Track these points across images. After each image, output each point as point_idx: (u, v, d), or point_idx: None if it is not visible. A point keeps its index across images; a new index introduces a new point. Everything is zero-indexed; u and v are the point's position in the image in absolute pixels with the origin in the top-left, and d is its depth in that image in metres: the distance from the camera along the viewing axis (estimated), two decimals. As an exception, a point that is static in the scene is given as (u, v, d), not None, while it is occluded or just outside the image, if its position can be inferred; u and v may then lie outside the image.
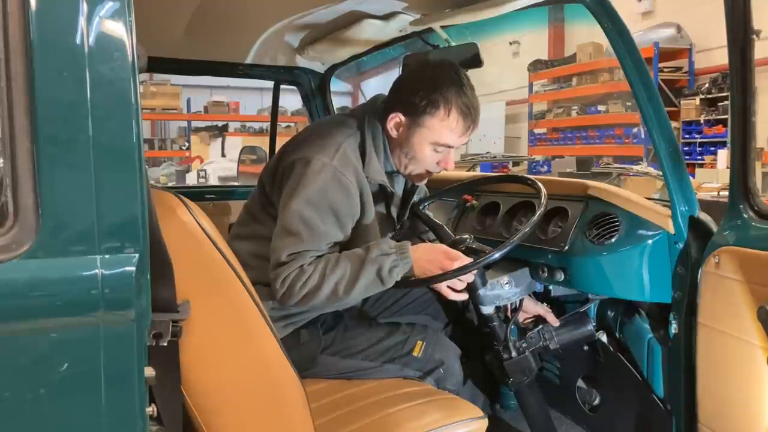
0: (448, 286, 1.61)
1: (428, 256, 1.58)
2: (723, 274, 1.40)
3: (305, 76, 2.88)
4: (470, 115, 1.66)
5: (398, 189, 1.87)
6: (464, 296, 1.65)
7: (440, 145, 1.67)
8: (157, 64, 2.65)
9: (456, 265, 1.56)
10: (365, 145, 1.69)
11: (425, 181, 1.86)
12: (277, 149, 2.94)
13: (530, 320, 1.87)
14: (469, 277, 1.62)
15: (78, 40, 0.80)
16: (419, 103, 1.63)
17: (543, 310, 1.85)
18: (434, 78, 1.65)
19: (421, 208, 1.96)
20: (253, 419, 1.22)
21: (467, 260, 1.58)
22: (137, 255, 0.84)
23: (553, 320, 1.82)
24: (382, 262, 1.55)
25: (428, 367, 1.72)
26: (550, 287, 1.88)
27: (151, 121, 14.02)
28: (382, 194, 1.78)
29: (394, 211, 1.85)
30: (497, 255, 1.57)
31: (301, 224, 1.55)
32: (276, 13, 2.13)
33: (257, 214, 1.76)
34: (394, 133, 1.69)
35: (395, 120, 1.68)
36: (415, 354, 1.71)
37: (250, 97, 13.80)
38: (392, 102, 1.71)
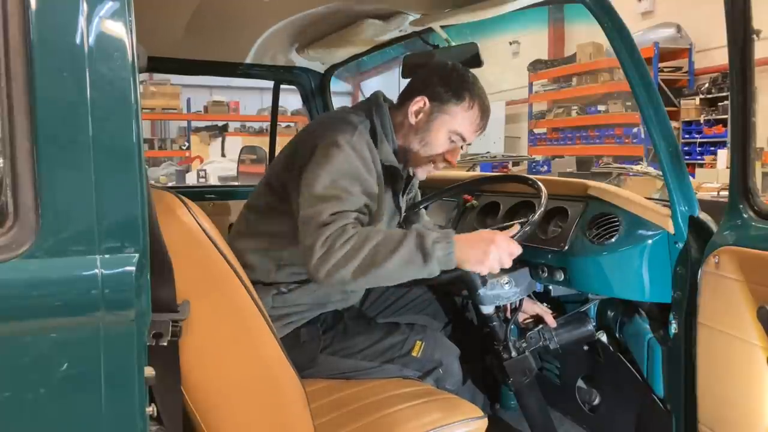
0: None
1: (474, 242, 1.50)
2: (723, 274, 1.40)
3: (305, 76, 2.88)
4: (487, 115, 1.76)
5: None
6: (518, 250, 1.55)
7: (457, 134, 1.73)
8: (157, 64, 2.65)
9: (500, 237, 1.50)
10: (375, 131, 1.72)
11: (423, 178, 1.86)
12: (277, 149, 2.96)
13: (530, 320, 1.87)
14: (518, 249, 1.53)
15: (78, 40, 0.80)
16: (446, 92, 1.71)
17: (542, 310, 1.85)
18: (462, 75, 1.75)
19: (422, 208, 1.96)
20: (253, 419, 1.22)
21: (517, 248, 1.52)
22: (137, 255, 0.84)
23: (551, 321, 1.82)
24: (424, 235, 1.46)
25: (427, 367, 1.72)
26: (550, 287, 1.88)
27: (151, 121, 14.01)
28: (390, 180, 1.79)
29: (401, 200, 1.86)
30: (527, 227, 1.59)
31: (336, 189, 1.53)
32: (276, 13, 2.13)
33: (263, 210, 1.76)
34: (413, 119, 1.73)
35: (419, 104, 1.72)
36: (414, 354, 1.71)
37: (250, 97, 13.79)
38: (415, 88, 1.76)
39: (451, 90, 1.71)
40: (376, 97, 1.81)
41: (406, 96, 1.77)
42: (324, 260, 1.43)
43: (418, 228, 1.50)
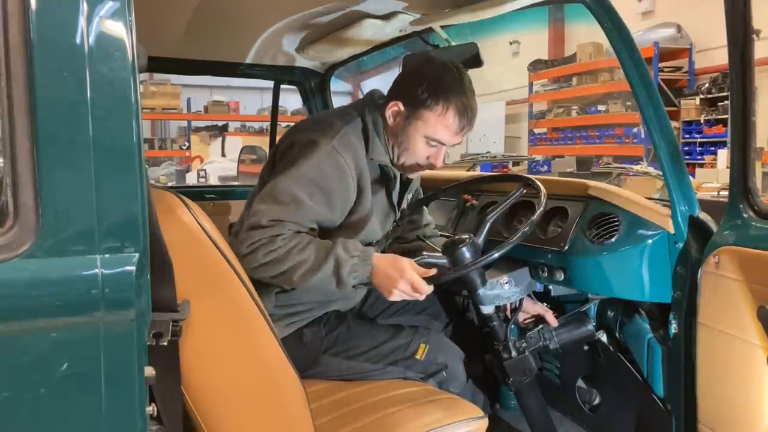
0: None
1: (388, 272, 1.55)
2: (723, 274, 1.40)
3: (305, 76, 2.88)
4: (466, 115, 1.68)
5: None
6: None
7: (433, 140, 1.69)
8: (157, 64, 2.65)
9: (408, 273, 1.54)
10: (368, 131, 1.71)
11: (417, 176, 1.87)
12: (277, 149, 2.96)
13: (530, 320, 1.87)
14: (424, 288, 1.56)
15: (78, 40, 0.80)
16: (420, 95, 1.66)
17: (542, 309, 1.85)
18: (438, 75, 1.68)
19: (423, 207, 1.96)
20: (253, 419, 1.22)
21: (424, 290, 1.55)
22: (137, 255, 0.84)
23: (552, 320, 1.82)
24: (343, 263, 1.53)
25: (431, 370, 1.72)
26: (550, 287, 1.88)
27: (151, 121, 14.00)
28: (383, 179, 1.78)
29: (395, 197, 1.85)
30: (497, 255, 1.57)
31: (289, 196, 1.55)
32: (276, 13, 2.13)
33: None
34: (390, 121, 1.72)
35: (394, 108, 1.70)
36: (418, 357, 1.71)
37: (250, 97, 13.79)
38: (394, 91, 1.75)
39: (425, 93, 1.65)
40: (371, 96, 1.81)
41: (387, 97, 1.76)
42: (245, 260, 1.50)
43: (339, 254, 1.53)
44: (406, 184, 1.90)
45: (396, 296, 1.55)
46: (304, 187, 1.56)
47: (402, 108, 1.69)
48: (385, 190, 1.81)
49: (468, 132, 1.73)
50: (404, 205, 1.91)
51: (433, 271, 1.57)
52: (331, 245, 1.56)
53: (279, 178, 1.58)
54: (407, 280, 1.53)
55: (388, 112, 1.71)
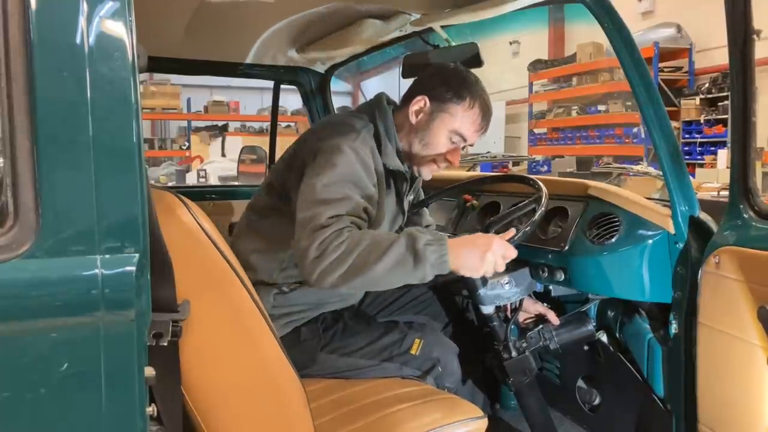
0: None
1: (475, 243, 1.49)
2: (723, 274, 1.40)
3: (305, 76, 2.88)
4: (488, 115, 1.76)
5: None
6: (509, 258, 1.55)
7: (458, 134, 1.72)
8: (157, 64, 2.65)
9: (497, 242, 1.50)
10: (379, 135, 1.72)
11: (428, 178, 1.86)
12: (277, 149, 2.96)
13: (531, 320, 1.87)
14: (513, 253, 1.53)
15: (78, 40, 0.80)
16: (447, 91, 1.72)
17: (544, 309, 1.86)
18: (462, 75, 1.76)
19: (424, 208, 1.96)
20: (253, 419, 1.22)
21: (512, 252, 1.53)
22: (137, 255, 0.84)
23: (554, 319, 1.83)
24: (416, 237, 1.46)
25: (426, 365, 1.72)
26: (550, 287, 1.88)
27: (151, 121, 14.01)
28: (394, 183, 1.80)
29: (405, 203, 1.87)
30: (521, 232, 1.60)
31: (335, 193, 1.54)
32: (276, 13, 2.13)
33: (265, 211, 1.76)
34: (413, 119, 1.74)
35: (419, 104, 1.73)
36: (413, 352, 1.71)
37: (250, 97, 13.79)
38: (417, 90, 1.77)
39: (452, 90, 1.71)
40: (379, 100, 1.81)
41: (408, 97, 1.78)
42: (317, 263, 1.43)
43: (411, 230, 1.49)
44: (410, 187, 1.91)
45: (487, 267, 1.48)
46: (345, 185, 1.56)
47: (428, 103, 1.73)
48: (395, 193, 1.81)
49: (485, 133, 1.79)
50: (406, 207, 1.91)
51: (512, 232, 1.57)
52: (395, 233, 1.53)
53: (315, 183, 1.55)
54: (493, 250, 1.47)
55: (413, 109, 1.73)
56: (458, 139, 1.74)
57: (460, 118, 1.72)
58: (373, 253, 1.43)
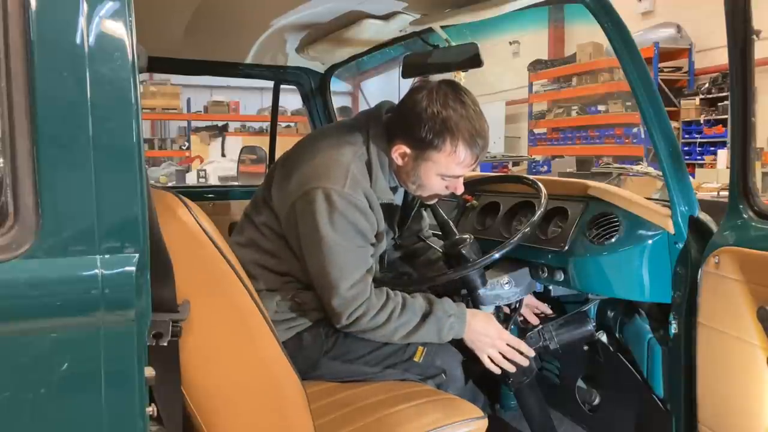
0: (490, 358, 1.70)
1: (483, 330, 1.69)
2: (723, 274, 1.40)
3: (305, 76, 2.88)
4: (477, 144, 1.63)
5: (398, 200, 1.87)
6: (507, 366, 1.72)
7: (448, 176, 1.68)
8: (157, 64, 2.64)
9: (508, 347, 1.70)
10: (371, 165, 1.67)
11: (432, 202, 1.85)
12: (277, 149, 2.96)
13: (538, 314, 1.90)
14: (523, 360, 1.72)
15: (78, 40, 0.80)
16: (425, 137, 1.60)
17: (535, 301, 1.90)
18: (438, 110, 1.60)
19: (423, 210, 1.96)
20: (253, 419, 1.22)
21: (521, 342, 1.71)
22: (137, 255, 0.84)
23: (546, 309, 1.91)
24: (442, 324, 1.64)
25: (429, 372, 1.71)
26: (550, 287, 1.88)
27: (151, 121, 14.02)
28: (386, 207, 1.76)
29: (394, 223, 1.86)
30: (497, 255, 1.57)
31: (341, 252, 1.58)
32: (276, 13, 2.13)
33: (260, 227, 1.75)
34: (399, 162, 1.68)
35: (400, 151, 1.66)
36: (416, 360, 1.70)
37: (250, 97, 13.80)
38: (396, 131, 1.67)
39: (429, 133, 1.59)
40: (378, 114, 1.73)
41: (390, 135, 1.68)
42: (350, 329, 1.64)
43: (441, 309, 1.65)
44: (412, 200, 1.91)
45: (490, 354, 1.69)
46: (347, 239, 1.58)
47: (408, 150, 1.65)
48: (387, 216, 1.78)
49: (484, 153, 1.70)
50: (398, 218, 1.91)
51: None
52: (425, 305, 1.65)
53: (320, 241, 1.57)
54: (505, 340, 1.69)
55: (395, 155, 1.67)
56: (450, 179, 1.69)
57: (444, 163, 1.64)
58: (402, 332, 1.64)
